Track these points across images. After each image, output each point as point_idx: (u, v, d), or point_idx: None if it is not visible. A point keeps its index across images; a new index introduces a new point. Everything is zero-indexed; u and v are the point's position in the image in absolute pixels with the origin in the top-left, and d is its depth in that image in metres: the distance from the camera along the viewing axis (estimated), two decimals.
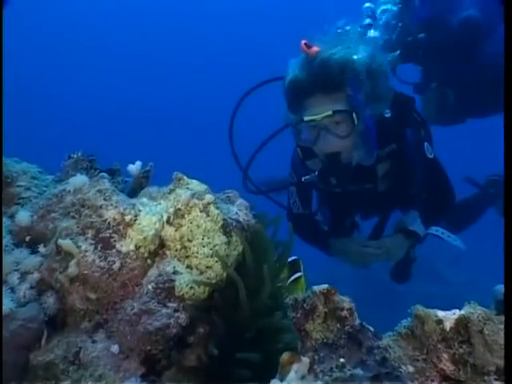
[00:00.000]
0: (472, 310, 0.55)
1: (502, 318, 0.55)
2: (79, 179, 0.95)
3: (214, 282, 0.94)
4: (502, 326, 0.53)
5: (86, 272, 0.87)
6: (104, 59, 12.32)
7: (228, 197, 1.07)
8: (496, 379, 0.52)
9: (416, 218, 1.83)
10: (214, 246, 0.94)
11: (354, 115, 1.54)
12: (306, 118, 1.56)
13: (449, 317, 0.56)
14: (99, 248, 0.89)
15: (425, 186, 1.85)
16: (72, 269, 0.86)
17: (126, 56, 12.48)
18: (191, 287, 0.90)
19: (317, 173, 1.69)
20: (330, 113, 1.52)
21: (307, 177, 1.71)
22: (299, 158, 1.82)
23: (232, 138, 1.99)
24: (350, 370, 0.57)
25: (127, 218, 0.92)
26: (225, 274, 0.95)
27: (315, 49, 1.52)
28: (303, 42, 1.53)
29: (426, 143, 1.84)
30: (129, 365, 0.87)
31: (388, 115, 1.63)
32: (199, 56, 12.66)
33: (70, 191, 0.94)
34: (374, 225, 2.03)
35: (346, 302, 0.61)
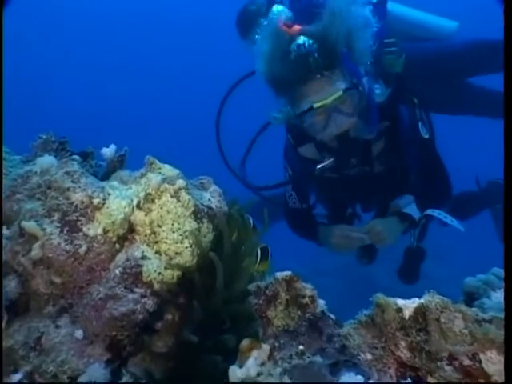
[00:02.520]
0: (430, 299, 0.55)
1: (459, 306, 0.55)
2: (46, 160, 0.92)
3: (186, 265, 0.92)
4: (458, 314, 0.53)
5: (50, 255, 0.85)
6: (86, 46, 12.08)
7: (201, 183, 1.05)
8: (448, 364, 0.52)
9: (411, 202, 1.74)
10: (184, 232, 0.92)
11: (360, 88, 1.45)
12: (316, 105, 1.43)
13: (408, 305, 0.56)
14: (65, 231, 0.87)
15: (419, 167, 1.78)
16: (36, 251, 0.84)
17: (108, 42, 12.23)
18: (159, 273, 0.89)
19: (332, 159, 1.59)
20: (340, 93, 1.42)
21: (320, 165, 1.60)
22: (291, 146, 1.75)
23: (219, 135, 1.92)
24: (309, 357, 0.57)
25: (95, 201, 0.90)
26: (195, 260, 0.94)
27: (297, 27, 1.40)
28: (281, 22, 1.41)
29: (420, 123, 1.75)
30: (93, 350, 0.85)
31: (378, 91, 1.56)
32: (189, 49, 12.49)
33: (36, 172, 0.91)
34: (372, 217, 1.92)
35: (308, 289, 0.61)
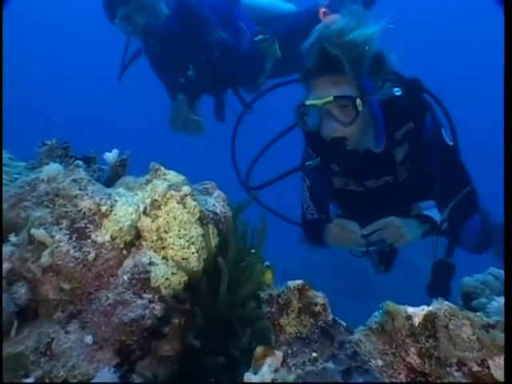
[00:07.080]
0: (439, 306, 0.57)
1: (466, 313, 0.57)
2: (53, 168, 0.92)
3: (193, 270, 0.94)
4: (466, 321, 0.55)
5: (59, 262, 0.86)
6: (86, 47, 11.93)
7: (205, 188, 1.06)
8: (457, 370, 0.54)
9: (432, 206, 1.69)
10: (191, 238, 0.93)
11: (358, 101, 1.44)
12: (307, 103, 1.49)
13: (417, 313, 0.58)
14: (74, 238, 0.88)
15: (442, 175, 1.72)
16: (45, 259, 0.85)
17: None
18: (167, 278, 0.90)
19: (319, 158, 1.59)
20: (330, 99, 1.44)
21: (310, 162, 1.62)
22: (310, 159, 1.71)
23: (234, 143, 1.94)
24: (322, 363, 0.59)
25: (103, 208, 0.91)
26: (201, 266, 0.95)
27: (331, 17, 1.47)
28: (322, 9, 1.48)
29: (443, 129, 1.68)
30: (102, 355, 0.86)
31: (398, 93, 1.54)
32: None
33: (43, 180, 0.91)
34: None
35: (319, 297, 0.63)
